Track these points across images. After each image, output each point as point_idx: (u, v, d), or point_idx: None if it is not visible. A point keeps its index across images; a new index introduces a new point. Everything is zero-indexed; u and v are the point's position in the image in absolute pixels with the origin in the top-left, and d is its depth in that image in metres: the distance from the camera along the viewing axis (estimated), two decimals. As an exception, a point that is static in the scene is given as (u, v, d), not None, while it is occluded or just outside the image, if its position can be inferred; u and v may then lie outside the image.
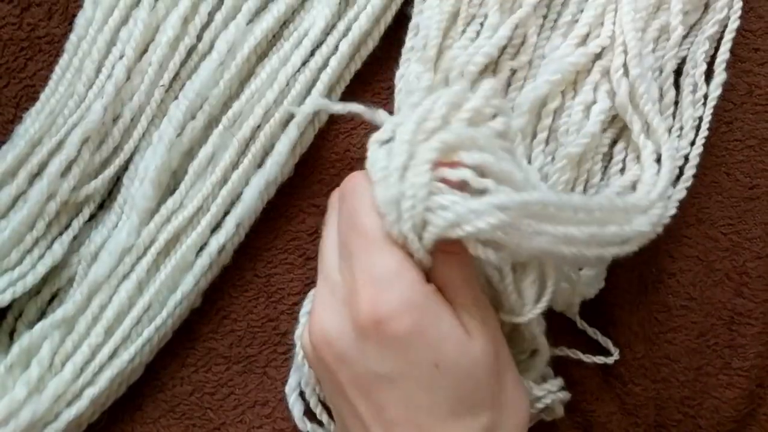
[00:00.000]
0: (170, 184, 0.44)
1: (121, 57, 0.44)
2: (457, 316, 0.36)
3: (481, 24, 0.44)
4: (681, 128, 0.45)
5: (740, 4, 0.47)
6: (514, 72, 0.45)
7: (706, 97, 0.46)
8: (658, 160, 0.43)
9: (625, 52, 0.44)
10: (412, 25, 0.46)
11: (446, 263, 0.36)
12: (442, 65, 0.44)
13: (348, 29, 0.46)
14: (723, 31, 0.47)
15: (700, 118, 0.45)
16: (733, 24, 0.47)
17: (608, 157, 0.45)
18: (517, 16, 0.44)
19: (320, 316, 0.37)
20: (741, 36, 0.48)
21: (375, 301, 0.35)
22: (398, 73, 0.45)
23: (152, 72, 0.44)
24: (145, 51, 0.45)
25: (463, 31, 0.44)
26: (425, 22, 0.44)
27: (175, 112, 0.44)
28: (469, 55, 0.43)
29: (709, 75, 0.46)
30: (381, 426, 0.36)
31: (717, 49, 0.46)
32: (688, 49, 0.46)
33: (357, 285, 0.35)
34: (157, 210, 0.44)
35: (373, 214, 0.36)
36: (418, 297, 0.35)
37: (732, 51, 0.48)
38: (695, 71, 0.46)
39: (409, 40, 0.45)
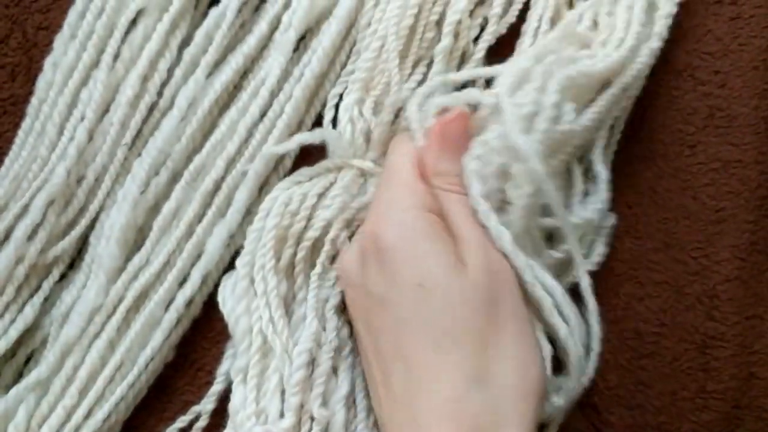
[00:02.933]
0: (137, 240, 0.45)
1: (82, 119, 0.45)
2: (454, 247, 0.38)
3: (428, 66, 0.45)
4: None
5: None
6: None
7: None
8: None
9: None
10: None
11: (448, 200, 0.39)
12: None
13: (302, 74, 0.46)
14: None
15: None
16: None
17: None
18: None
19: (344, 252, 0.42)
20: (700, 59, 0.48)
21: (375, 221, 0.40)
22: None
23: (114, 132, 0.45)
24: (106, 111, 0.45)
25: (411, 74, 0.45)
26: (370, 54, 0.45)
27: (139, 170, 0.45)
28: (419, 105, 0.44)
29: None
30: (377, 360, 0.38)
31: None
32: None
33: (369, 213, 0.41)
34: (125, 267, 0.44)
35: (404, 158, 0.41)
36: (409, 217, 0.39)
37: (692, 74, 0.48)
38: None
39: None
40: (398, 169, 0.41)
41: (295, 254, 0.43)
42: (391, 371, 0.37)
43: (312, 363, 0.40)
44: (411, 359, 0.36)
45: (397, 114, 0.45)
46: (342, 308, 0.42)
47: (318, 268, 0.42)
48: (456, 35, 0.45)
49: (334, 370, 0.41)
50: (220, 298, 0.43)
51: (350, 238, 0.43)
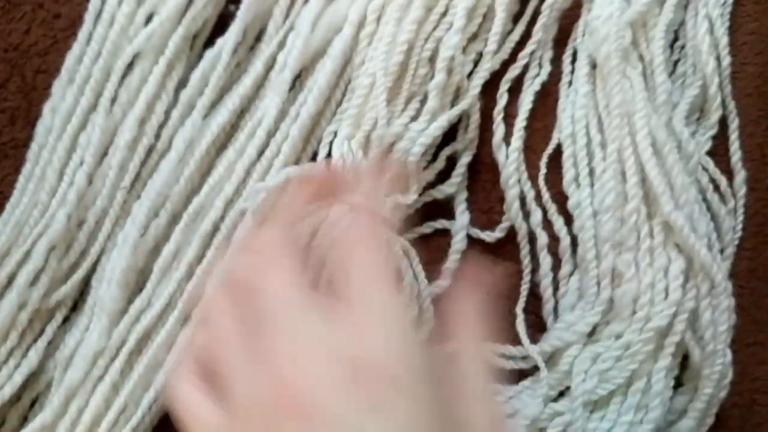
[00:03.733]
0: (138, 282, 0.45)
1: (81, 163, 0.45)
2: None
3: (421, 102, 0.45)
4: None
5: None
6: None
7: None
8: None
9: None
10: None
11: None
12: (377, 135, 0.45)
13: (298, 114, 0.46)
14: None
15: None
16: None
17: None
18: (458, 108, 0.45)
19: None
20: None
21: None
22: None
23: (113, 175, 0.45)
24: (104, 155, 0.46)
25: (403, 109, 0.45)
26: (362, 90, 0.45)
27: (138, 213, 0.45)
28: (411, 141, 0.44)
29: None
30: None
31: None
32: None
33: None
34: (127, 310, 0.44)
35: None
36: None
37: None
38: None
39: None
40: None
41: None
42: None
43: None
44: None
45: (389, 149, 0.45)
46: None
47: None
48: (449, 71, 0.45)
49: None
50: None
51: None
